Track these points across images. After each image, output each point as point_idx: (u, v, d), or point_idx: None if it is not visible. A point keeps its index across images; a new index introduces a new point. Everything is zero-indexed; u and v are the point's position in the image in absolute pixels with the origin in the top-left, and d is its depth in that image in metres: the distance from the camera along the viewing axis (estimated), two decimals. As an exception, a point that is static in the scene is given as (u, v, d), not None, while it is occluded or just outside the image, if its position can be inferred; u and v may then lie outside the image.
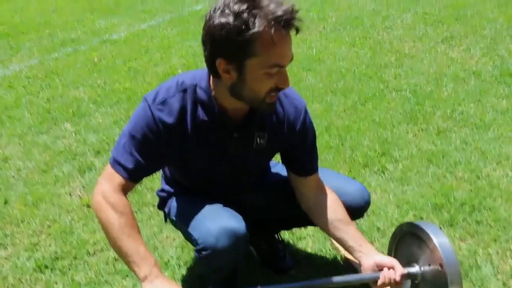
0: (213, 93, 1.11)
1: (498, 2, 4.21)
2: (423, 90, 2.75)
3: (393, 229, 1.66)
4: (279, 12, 0.96)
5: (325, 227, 1.27)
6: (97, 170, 2.20)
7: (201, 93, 1.12)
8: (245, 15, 0.95)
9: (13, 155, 2.36)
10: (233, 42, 0.98)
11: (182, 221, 1.28)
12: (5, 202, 2.00)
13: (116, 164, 1.14)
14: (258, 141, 1.20)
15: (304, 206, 1.30)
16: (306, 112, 1.24)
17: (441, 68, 3.03)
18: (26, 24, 4.32)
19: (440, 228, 1.23)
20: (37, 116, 2.74)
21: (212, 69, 1.06)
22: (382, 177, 1.98)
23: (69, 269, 1.59)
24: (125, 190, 1.15)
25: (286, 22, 0.97)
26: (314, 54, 3.34)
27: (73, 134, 2.54)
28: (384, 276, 1.16)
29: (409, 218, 1.72)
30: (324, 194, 1.29)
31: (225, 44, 0.99)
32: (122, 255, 1.10)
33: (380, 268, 1.18)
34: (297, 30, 1.00)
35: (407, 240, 1.27)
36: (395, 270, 1.16)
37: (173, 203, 1.35)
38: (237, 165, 1.24)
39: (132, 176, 1.14)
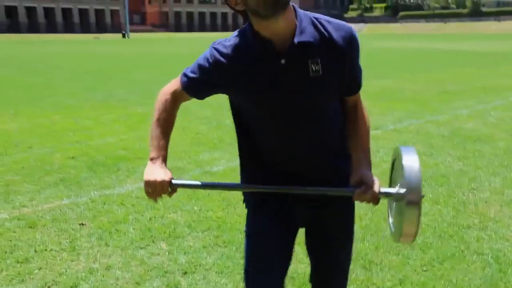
0: (255, 27, 1.28)
1: None
2: (507, 257, 2.71)
3: None
4: None
5: (349, 144, 1.41)
6: (182, 289, 2.43)
7: (247, 31, 1.31)
8: None
9: (115, 265, 2.69)
10: None
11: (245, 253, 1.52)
12: (101, 306, 2.27)
13: (182, 75, 1.43)
14: (313, 68, 1.27)
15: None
16: (352, 30, 1.33)
17: (528, 236, 2.98)
18: (143, 150, 5.04)
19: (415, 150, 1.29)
20: (140, 232, 3.12)
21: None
22: None
23: None
24: (179, 96, 1.45)
25: None
26: (396, 206, 3.47)
27: (167, 253, 2.84)
28: (357, 193, 1.28)
29: None
30: (356, 108, 1.42)
31: None
32: (151, 137, 1.44)
33: (362, 181, 1.30)
34: None
35: (395, 164, 1.39)
36: (370, 189, 1.27)
37: (246, 224, 1.55)
38: (291, 101, 1.30)
39: (187, 87, 1.41)
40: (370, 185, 1.28)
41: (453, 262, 2.64)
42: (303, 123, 1.35)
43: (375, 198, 1.28)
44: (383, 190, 1.29)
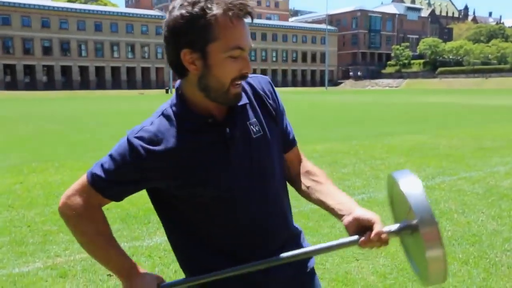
0: (188, 100, 1.15)
1: None
2: (539, 323, 2.59)
3: None
4: None
5: (305, 194, 1.30)
6: None
7: (177, 106, 1.16)
8: (202, 2, 1.05)
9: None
10: (194, 28, 1.05)
11: None
12: None
13: (91, 176, 1.16)
14: (254, 130, 1.19)
15: (288, 178, 1.34)
16: (269, 79, 1.30)
17: None
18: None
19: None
20: (164, 285, 3.18)
21: (178, 67, 1.11)
22: None
23: None
24: (97, 202, 1.18)
25: (242, 6, 1.06)
26: (423, 266, 3.39)
27: (188, 306, 2.88)
28: (363, 241, 1.10)
29: None
30: (302, 163, 1.35)
31: (186, 32, 1.06)
32: (100, 262, 1.21)
33: (360, 223, 1.13)
34: (251, 16, 1.08)
35: (394, 197, 1.21)
36: (374, 228, 1.10)
37: None
38: (243, 167, 1.17)
39: (105, 190, 1.16)
40: (372, 227, 1.11)
41: (479, 327, 2.54)
42: (258, 187, 1.20)
43: (383, 241, 1.10)
44: (387, 228, 1.12)
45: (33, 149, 9.75)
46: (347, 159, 7.92)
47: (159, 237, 4.12)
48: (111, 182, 1.16)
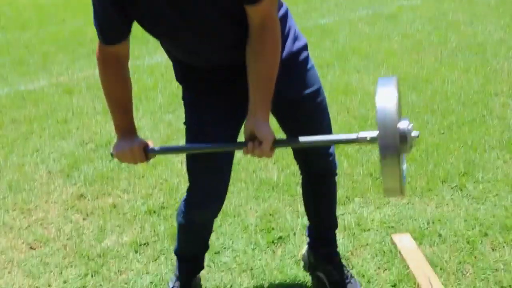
0: None
1: None
2: (530, 121, 2.70)
3: (455, 238, 1.77)
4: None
5: (247, 73, 1.18)
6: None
7: None
8: None
9: (144, 127, 2.89)
10: None
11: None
12: (132, 160, 2.49)
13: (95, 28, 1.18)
14: None
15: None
16: None
17: (557, 103, 2.91)
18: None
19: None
20: (168, 98, 3.26)
21: None
22: (458, 193, 2.06)
23: (171, 217, 1.98)
24: (110, 52, 1.20)
25: None
26: (424, 75, 3.42)
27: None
28: (247, 149, 1.14)
29: (474, 232, 1.80)
30: (262, 38, 1.14)
31: None
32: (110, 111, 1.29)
33: (253, 136, 1.13)
34: None
35: None
36: (261, 145, 1.12)
37: (185, 109, 1.37)
38: (196, 27, 1.14)
39: (105, 38, 1.17)
40: (260, 140, 1.12)
41: (472, 126, 2.65)
42: (213, 48, 1.21)
43: (266, 154, 1.14)
44: (336, 136, 1.26)
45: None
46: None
47: (159, 56, 4.09)
48: (104, 25, 1.17)
